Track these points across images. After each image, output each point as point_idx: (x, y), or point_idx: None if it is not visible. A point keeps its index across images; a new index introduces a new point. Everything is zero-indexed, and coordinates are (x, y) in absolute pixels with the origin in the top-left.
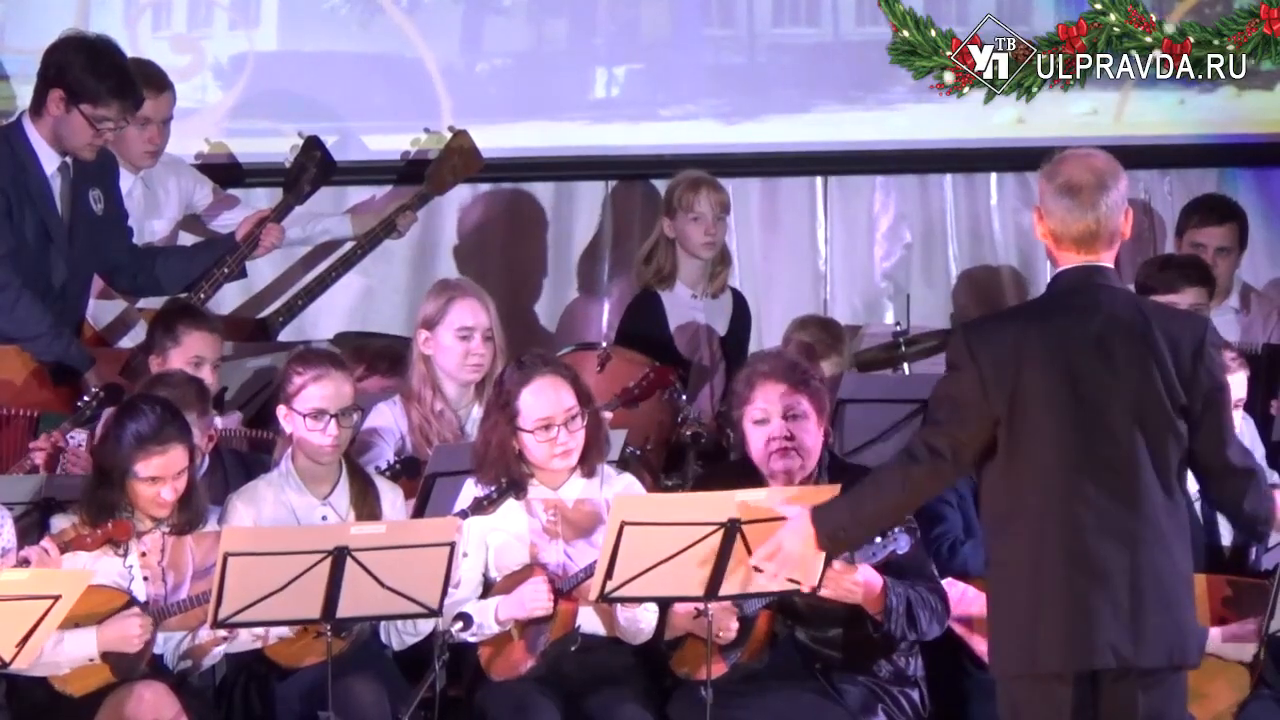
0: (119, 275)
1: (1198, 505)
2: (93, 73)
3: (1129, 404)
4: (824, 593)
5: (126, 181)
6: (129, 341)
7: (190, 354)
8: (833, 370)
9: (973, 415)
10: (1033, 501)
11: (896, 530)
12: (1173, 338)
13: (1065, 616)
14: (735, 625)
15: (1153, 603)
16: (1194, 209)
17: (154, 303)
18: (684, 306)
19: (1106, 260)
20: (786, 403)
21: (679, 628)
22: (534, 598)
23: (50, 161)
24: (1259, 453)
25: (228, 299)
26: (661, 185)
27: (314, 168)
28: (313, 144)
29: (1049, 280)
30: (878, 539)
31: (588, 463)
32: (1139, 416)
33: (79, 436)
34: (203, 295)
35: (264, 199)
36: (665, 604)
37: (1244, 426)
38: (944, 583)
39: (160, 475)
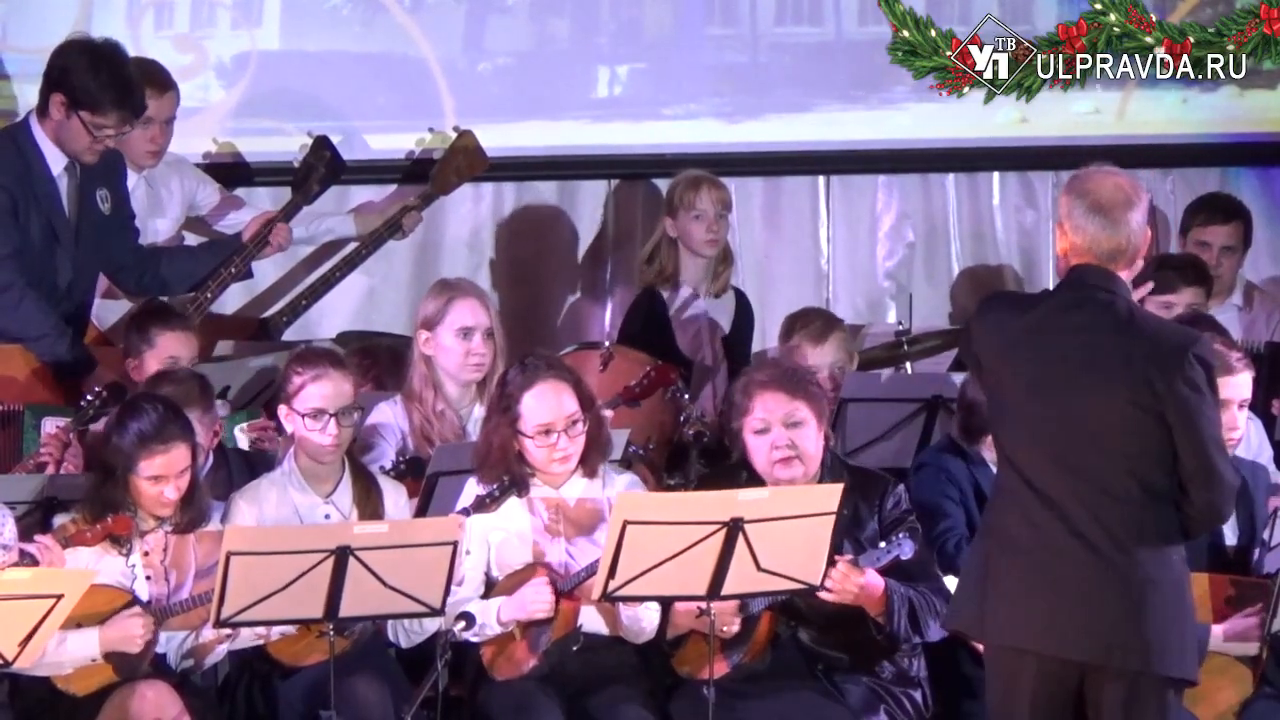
0: (124, 275)
1: None
2: (94, 80)
3: (1094, 410)
4: (826, 595)
5: (129, 181)
6: None
7: (164, 355)
8: (838, 349)
9: (971, 360)
10: (1011, 487)
11: (900, 535)
12: (1158, 343)
13: (1009, 595)
14: (738, 621)
15: (1114, 608)
16: (1199, 207)
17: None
18: (687, 306)
19: (1121, 272)
20: (786, 410)
21: (681, 626)
22: (535, 599)
23: (57, 162)
24: (1265, 454)
25: (231, 298)
26: (664, 185)
27: (323, 168)
28: (322, 144)
29: (1063, 275)
30: (881, 544)
31: (588, 463)
32: (1104, 423)
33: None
34: (209, 295)
35: (267, 198)
36: (668, 603)
37: (1250, 427)
38: (954, 581)
39: (163, 474)
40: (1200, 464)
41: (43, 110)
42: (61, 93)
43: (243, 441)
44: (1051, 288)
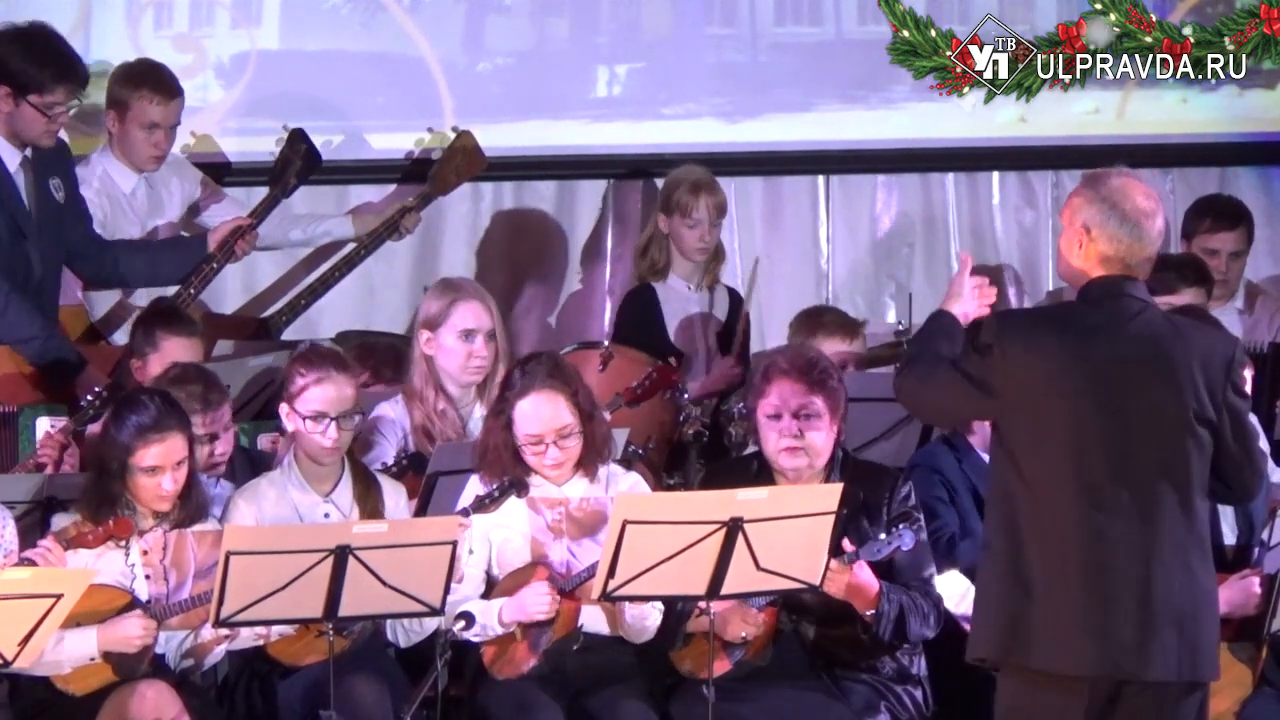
0: (81, 264)
1: None
2: (32, 62)
3: (1152, 419)
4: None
5: (130, 181)
6: (124, 336)
7: (168, 360)
8: (862, 345)
9: (971, 399)
10: (1050, 510)
11: (901, 527)
12: (1203, 354)
13: (1076, 623)
14: (761, 618)
15: (1165, 619)
16: (1204, 213)
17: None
18: (679, 298)
19: (1140, 275)
20: (800, 401)
21: (705, 624)
22: (536, 603)
23: (12, 158)
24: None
25: (231, 298)
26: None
27: (299, 161)
28: (298, 137)
29: (1083, 287)
30: (882, 535)
31: (584, 467)
32: (1161, 432)
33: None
34: (192, 291)
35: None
36: (668, 603)
37: None
38: (952, 576)
39: (160, 464)
40: (1247, 459)
41: None
42: (3, 84)
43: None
44: (1075, 300)
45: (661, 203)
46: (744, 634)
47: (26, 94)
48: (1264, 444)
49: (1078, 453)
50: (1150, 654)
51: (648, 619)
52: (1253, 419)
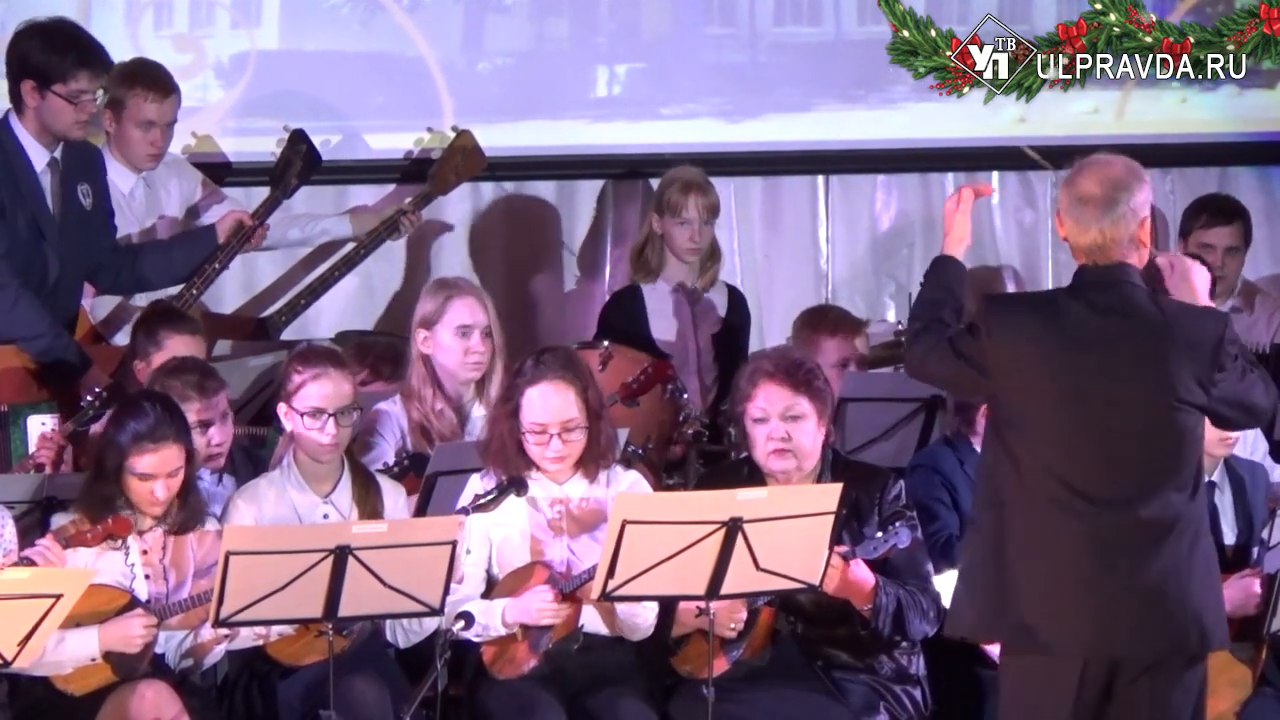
0: (100, 274)
1: None
2: (52, 52)
3: (1142, 401)
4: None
5: (128, 181)
6: (124, 337)
7: (171, 357)
8: (866, 343)
9: (967, 377)
10: (1035, 489)
11: (898, 524)
12: (1190, 339)
13: (1061, 602)
14: (743, 616)
15: (1152, 597)
16: (1200, 209)
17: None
18: (666, 301)
19: (1130, 260)
20: (786, 404)
21: (687, 625)
22: (541, 608)
23: (40, 158)
24: (1260, 449)
25: (230, 298)
26: None
27: (299, 162)
28: (298, 138)
29: (1074, 274)
30: (879, 533)
31: (585, 467)
32: (1152, 413)
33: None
34: (195, 291)
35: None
36: (667, 603)
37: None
38: (951, 577)
39: (152, 473)
40: (1244, 409)
41: (18, 105)
42: (28, 78)
43: None
44: (1065, 286)
45: (655, 203)
46: (732, 625)
47: (50, 85)
48: (1263, 446)
49: (1061, 436)
50: (1140, 632)
51: (638, 616)
52: (1254, 430)
